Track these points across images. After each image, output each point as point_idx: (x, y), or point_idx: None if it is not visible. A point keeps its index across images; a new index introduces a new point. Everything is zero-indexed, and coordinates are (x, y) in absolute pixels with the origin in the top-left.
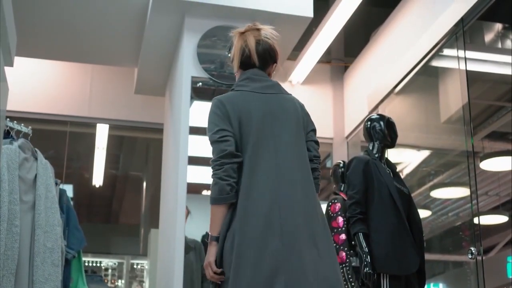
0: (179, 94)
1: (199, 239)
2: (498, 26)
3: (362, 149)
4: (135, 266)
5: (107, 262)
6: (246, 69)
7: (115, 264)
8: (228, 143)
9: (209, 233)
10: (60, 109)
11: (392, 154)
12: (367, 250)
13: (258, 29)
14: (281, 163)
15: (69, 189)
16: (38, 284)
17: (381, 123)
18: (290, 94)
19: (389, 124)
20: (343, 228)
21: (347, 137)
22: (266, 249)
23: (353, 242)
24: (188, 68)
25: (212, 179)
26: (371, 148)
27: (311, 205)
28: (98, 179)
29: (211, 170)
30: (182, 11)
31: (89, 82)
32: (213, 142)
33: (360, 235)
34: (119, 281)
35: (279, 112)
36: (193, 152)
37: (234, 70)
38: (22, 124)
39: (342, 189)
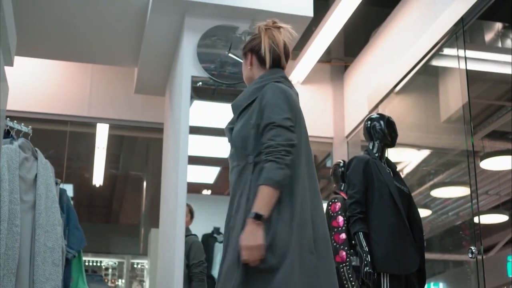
0: (179, 94)
1: (199, 237)
2: (498, 25)
3: (362, 149)
4: (135, 266)
5: (107, 261)
6: (271, 67)
7: (115, 263)
8: (295, 135)
9: (260, 214)
10: (60, 109)
11: (392, 154)
12: (367, 250)
13: (279, 27)
14: (311, 172)
15: (69, 189)
16: (38, 284)
17: (381, 122)
18: None
19: (389, 124)
20: (343, 228)
21: (347, 137)
22: (311, 251)
23: (353, 242)
24: (188, 67)
25: (276, 161)
26: (371, 147)
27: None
28: (98, 179)
29: (276, 151)
30: (182, 11)
31: (89, 81)
32: (281, 126)
33: (360, 234)
34: (120, 280)
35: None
36: (193, 151)
37: (267, 66)
38: (22, 124)
39: (342, 188)
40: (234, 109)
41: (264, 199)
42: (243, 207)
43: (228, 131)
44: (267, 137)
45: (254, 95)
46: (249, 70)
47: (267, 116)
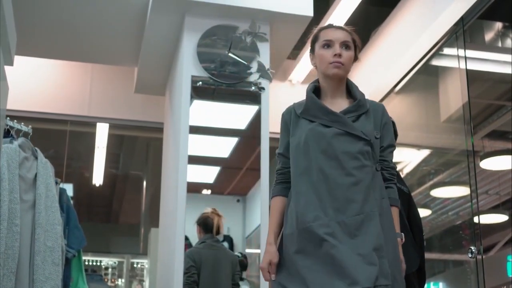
0: (179, 93)
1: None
2: (498, 25)
3: None
4: (135, 265)
5: (107, 261)
6: None
7: (115, 263)
8: None
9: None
10: (60, 108)
11: None
12: None
13: None
14: None
15: (69, 188)
16: (38, 283)
17: None
18: None
19: None
20: None
21: None
22: None
23: None
24: (188, 67)
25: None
26: None
27: None
28: (98, 178)
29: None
30: (182, 11)
31: (89, 81)
32: None
33: None
34: (119, 280)
35: None
36: (193, 151)
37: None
38: (22, 123)
39: None
40: (360, 105)
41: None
42: (390, 214)
43: (345, 121)
44: (390, 158)
45: (367, 103)
46: (351, 64)
47: (392, 137)
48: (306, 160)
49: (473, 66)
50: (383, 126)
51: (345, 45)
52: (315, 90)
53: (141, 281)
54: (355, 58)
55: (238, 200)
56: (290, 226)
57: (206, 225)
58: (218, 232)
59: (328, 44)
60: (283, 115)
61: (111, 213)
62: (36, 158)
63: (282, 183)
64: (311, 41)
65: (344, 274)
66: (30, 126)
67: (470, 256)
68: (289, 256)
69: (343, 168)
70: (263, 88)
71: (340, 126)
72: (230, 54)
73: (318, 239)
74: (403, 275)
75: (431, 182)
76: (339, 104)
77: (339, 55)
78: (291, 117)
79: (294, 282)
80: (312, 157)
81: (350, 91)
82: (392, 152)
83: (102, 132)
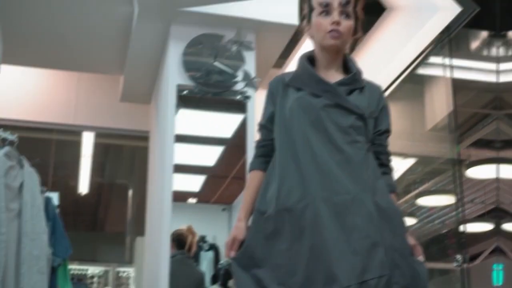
0: (165, 102)
1: None
2: (484, 34)
3: None
4: (120, 274)
5: (93, 269)
6: None
7: (100, 272)
8: None
9: None
10: (45, 117)
11: None
12: None
13: None
14: None
15: (54, 197)
16: None
17: None
18: None
19: None
20: None
21: None
22: None
23: None
24: (174, 76)
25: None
26: None
27: None
28: (84, 187)
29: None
30: (168, 19)
31: (75, 89)
32: None
33: None
34: None
35: None
36: (179, 160)
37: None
38: (8, 132)
39: None
40: (355, 79)
41: None
42: (386, 195)
43: (337, 92)
44: (387, 143)
45: (363, 80)
46: (351, 35)
47: (389, 123)
48: (292, 132)
49: (459, 74)
50: (381, 109)
51: (345, 13)
52: (309, 60)
53: None
54: (355, 31)
55: (224, 209)
56: (269, 203)
57: (179, 241)
58: (190, 250)
59: (326, 11)
60: (270, 83)
61: (97, 222)
62: (22, 167)
63: (262, 157)
64: (308, 11)
65: (323, 268)
66: (15, 134)
67: (456, 264)
68: (261, 235)
69: (333, 142)
70: (249, 97)
71: (331, 97)
72: (216, 63)
73: (299, 224)
74: (419, 258)
75: (416, 191)
76: (333, 76)
77: (338, 23)
78: (279, 86)
79: (259, 265)
80: (298, 130)
81: (347, 65)
82: (388, 137)
83: (88, 141)
